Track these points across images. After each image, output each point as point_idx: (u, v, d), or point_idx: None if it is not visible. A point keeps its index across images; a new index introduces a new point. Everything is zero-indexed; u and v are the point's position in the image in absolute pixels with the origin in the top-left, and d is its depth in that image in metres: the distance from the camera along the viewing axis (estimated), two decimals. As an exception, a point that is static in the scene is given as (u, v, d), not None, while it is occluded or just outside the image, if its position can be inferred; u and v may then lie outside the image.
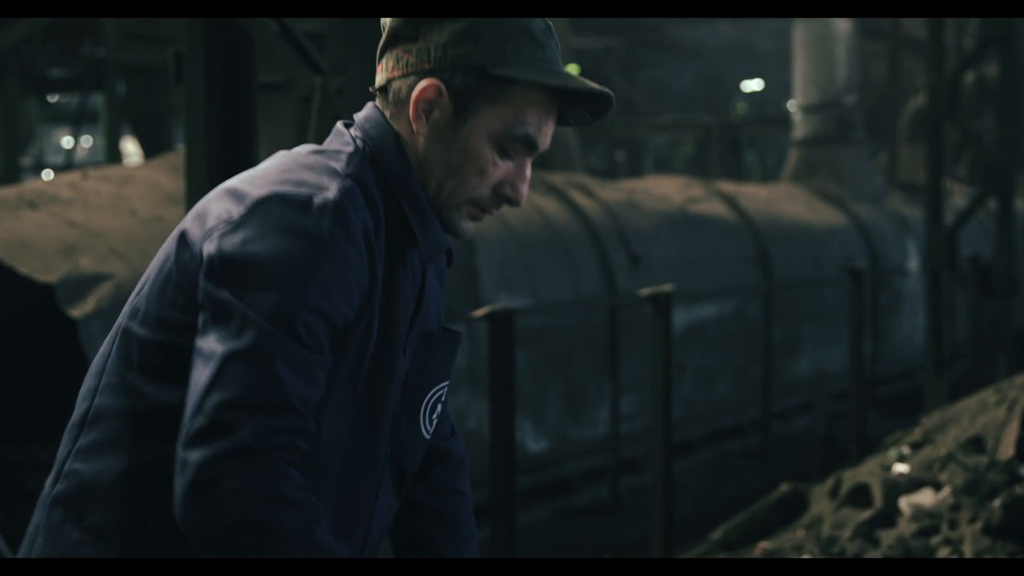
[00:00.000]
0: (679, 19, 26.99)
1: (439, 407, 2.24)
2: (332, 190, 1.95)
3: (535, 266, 9.66)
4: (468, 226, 2.13)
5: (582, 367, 9.97)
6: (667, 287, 7.31)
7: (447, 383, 2.26)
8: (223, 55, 4.88)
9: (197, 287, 1.94)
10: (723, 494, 10.17)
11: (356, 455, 2.07)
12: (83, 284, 6.69)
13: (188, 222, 2.03)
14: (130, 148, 18.94)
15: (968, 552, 5.41)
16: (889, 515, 5.99)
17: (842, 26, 15.74)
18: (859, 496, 6.32)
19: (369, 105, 2.15)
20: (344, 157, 2.05)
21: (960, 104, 12.56)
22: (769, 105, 33.27)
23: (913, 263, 15.16)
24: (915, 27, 19.73)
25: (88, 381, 2.05)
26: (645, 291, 7.39)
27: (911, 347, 14.75)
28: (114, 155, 14.70)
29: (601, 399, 10.12)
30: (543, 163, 16.21)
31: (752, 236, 12.50)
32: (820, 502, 6.73)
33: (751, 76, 32.88)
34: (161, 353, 1.97)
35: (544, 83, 2.06)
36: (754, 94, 34.33)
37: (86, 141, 32.56)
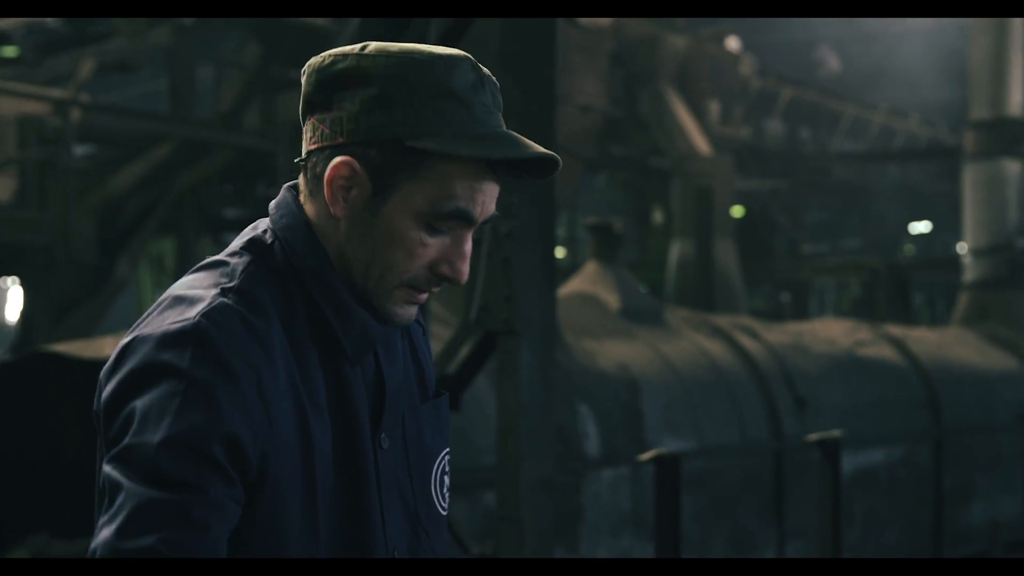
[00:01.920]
0: (842, 161, 26.91)
1: (446, 478, 2.08)
2: (194, 313, 1.80)
3: (700, 409, 9.59)
4: (407, 311, 1.93)
5: (747, 511, 9.83)
6: (835, 432, 7.21)
7: (446, 450, 2.10)
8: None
9: None
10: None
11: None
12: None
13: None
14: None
15: None
16: (1069, 673, 5.78)
17: (1013, 168, 15.55)
18: (1037, 652, 6.11)
19: (284, 187, 2.01)
20: (234, 263, 1.91)
21: None
22: (937, 247, 32.88)
23: (1089, 410, 14.75)
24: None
25: None
26: (813, 436, 7.30)
27: (1088, 496, 14.30)
28: (285, 293, 14.97)
29: (767, 544, 9.96)
30: (707, 305, 16.17)
31: (922, 380, 12.29)
32: (996, 657, 6.51)
33: (918, 218, 32.56)
34: None
35: (464, 155, 1.84)
36: (921, 236, 33.97)
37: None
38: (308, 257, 1.90)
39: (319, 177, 1.90)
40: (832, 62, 32.61)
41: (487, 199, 1.90)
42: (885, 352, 12.36)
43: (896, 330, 13.57)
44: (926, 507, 11.78)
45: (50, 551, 7.15)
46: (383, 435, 1.96)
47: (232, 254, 1.95)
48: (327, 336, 1.90)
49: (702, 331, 10.64)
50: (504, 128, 1.91)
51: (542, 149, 1.88)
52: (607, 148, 19.39)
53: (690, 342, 10.26)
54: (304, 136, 1.94)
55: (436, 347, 5.27)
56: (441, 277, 1.91)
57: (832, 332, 12.62)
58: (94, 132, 13.80)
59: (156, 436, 1.73)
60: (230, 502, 1.77)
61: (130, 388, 1.79)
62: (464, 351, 4.96)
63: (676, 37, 18.56)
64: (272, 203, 2.00)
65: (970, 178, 15.81)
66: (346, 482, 1.90)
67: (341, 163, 1.86)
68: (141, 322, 1.88)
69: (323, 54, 1.90)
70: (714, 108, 19.52)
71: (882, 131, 29.65)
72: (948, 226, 28.66)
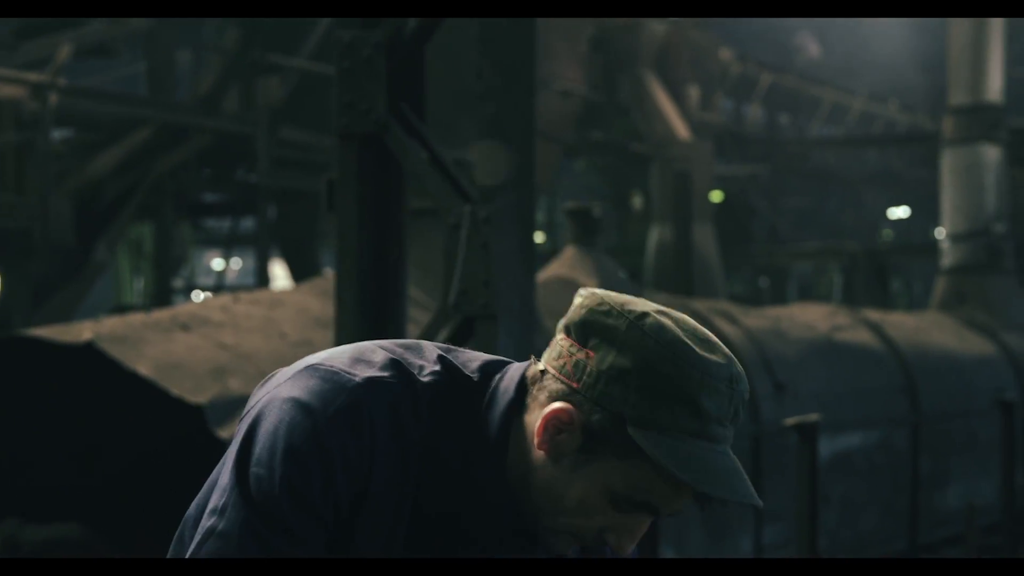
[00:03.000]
0: (821, 146, 26.96)
1: None
2: (365, 375, 1.84)
3: (678, 393, 9.61)
4: (566, 548, 1.91)
5: (725, 496, 9.84)
6: (813, 416, 7.24)
7: None
8: (374, 182, 4.97)
9: None
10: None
11: None
12: (232, 406, 6.80)
13: None
14: (278, 271, 19.30)
15: None
16: (1044, 655, 5.82)
17: (991, 154, 15.60)
18: (1012, 634, 6.15)
19: (525, 364, 1.95)
20: (437, 366, 1.90)
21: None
22: (916, 233, 32.97)
23: (1066, 394, 14.82)
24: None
25: None
26: (790, 420, 7.32)
27: (1064, 481, 14.36)
28: (264, 278, 14.98)
29: (744, 528, 10.00)
30: (686, 289, 16.20)
31: (899, 365, 12.33)
32: (971, 640, 6.55)
33: (897, 203, 32.65)
34: None
35: (672, 475, 1.81)
36: (900, 221, 34.06)
37: (236, 263, 33.22)
38: (498, 430, 1.89)
39: (541, 402, 1.88)
40: (812, 48, 32.69)
41: (677, 503, 1.88)
42: (863, 337, 12.39)
43: (874, 315, 13.61)
44: (903, 491, 11.83)
45: (22, 536, 7.14)
46: None
47: (447, 363, 1.93)
48: (442, 512, 1.90)
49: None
50: (728, 446, 1.89)
51: (749, 493, 1.88)
52: (587, 133, 19.40)
53: (669, 327, 10.28)
54: (552, 346, 1.91)
55: (413, 331, 5.27)
56: (604, 542, 1.89)
57: (810, 317, 12.65)
58: (72, 116, 13.76)
59: (283, 477, 1.79)
60: (320, 552, 1.84)
61: (283, 404, 1.84)
62: (442, 336, 4.97)
63: (656, 23, 18.56)
64: (511, 367, 1.95)
65: (948, 163, 15.85)
66: None
67: (564, 410, 1.83)
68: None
69: (605, 296, 1.88)
70: (694, 93, 19.53)
71: (861, 117, 29.71)
72: (926, 211, 28.73)
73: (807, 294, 27.97)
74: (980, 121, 15.54)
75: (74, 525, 7.35)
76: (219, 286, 19.35)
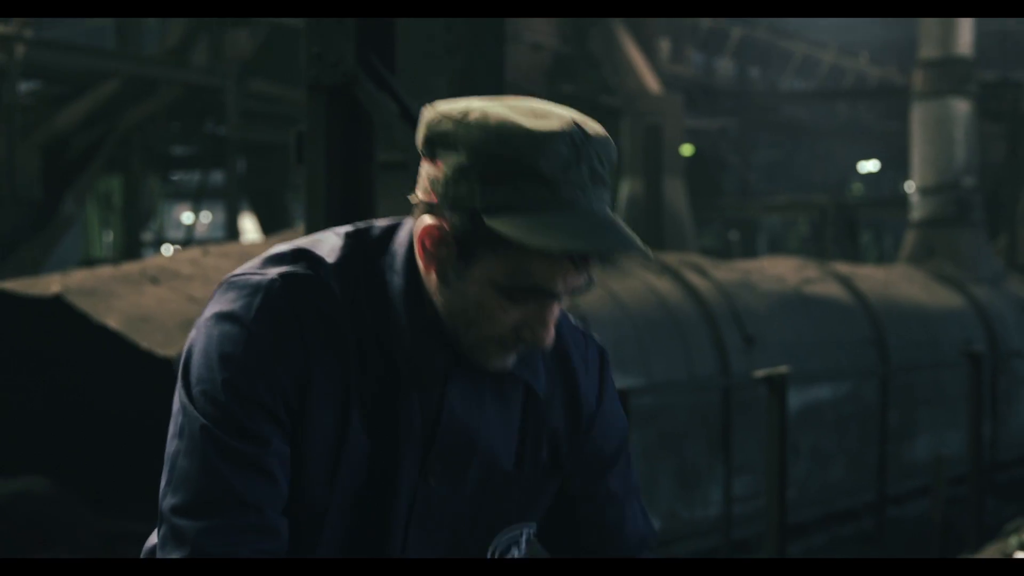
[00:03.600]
0: (792, 99, 26.95)
1: (514, 549, 2.06)
2: (277, 271, 1.90)
3: (649, 346, 9.64)
4: (502, 361, 1.92)
5: (695, 447, 9.90)
6: (782, 368, 7.26)
7: (528, 525, 2.07)
8: (343, 135, 4.95)
9: None
10: (838, 579, 10.00)
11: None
12: (202, 358, 6.78)
13: None
14: (248, 225, 19.24)
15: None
16: (1009, 604, 5.87)
17: (961, 108, 15.62)
18: (978, 584, 6.20)
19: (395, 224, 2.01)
20: (339, 243, 1.95)
21: (1082, 186, 12.39)
22: (885, 186, 33.04)
23: (1033, 347, 14.90)
24: (1035, 108, 19.52)
25: None
26: (760, 372, 7.35)
27: (1031, 432, 14.47)
28: (233, 231, 14.92)
29: (714, 480, 10.05)
30: (657, 243, 16.22)
31: (868, 318, 12.38)
32: (938, 589, 6.60)
33: (867, 157, 32.69)
34: None
35: (537, 246, 1.80)
36: (870, 175, 34.12)
37: (205, 216, 33.11)
38: (402, 278, 1.93)
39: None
40: (782, 0, 32.59)
41: (569, 275, 1.86)
42: (832, 290, 12.43)
43: (843, 268, 13.65)
44: (871, 442, 11.89)
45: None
46: (434, 469, 1.96)
47: (348, 232, 1.99)
48: (390, 351, 1.93)
49: (651, 269, 10.67)
50: (593, 206, 1.85)
51: (621, 240, 1.84)
52: (557, 86, 19.34)
53: (639, 280, 10.30)
54: (420, 174, 1.95)
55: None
56: (524, 341, 1.90)
57: (780, 270, 12.68)
58: (39, 68, 13.66)
59: (218, 380, 1.85)
60: (286, 454, 1.87)
61: (209, 321, 1.90)
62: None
63: (626, -26, 18.49)
64: (404, 225, 1.99)
65: (918, 117, 15.87)
66: (370, 496, 1.93)
67: (431, 225, 1.87)
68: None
69: (439, 108, 1.90)
70: (664, 46, 19.49)
71: (832, 70, 29.71)
72: (896, 165, 28.80)
73: (777, 247, 28.05)
74: (950, 75, 15.56)
75: (40, 478, 7.34)
76: (188, 239, 19.27)
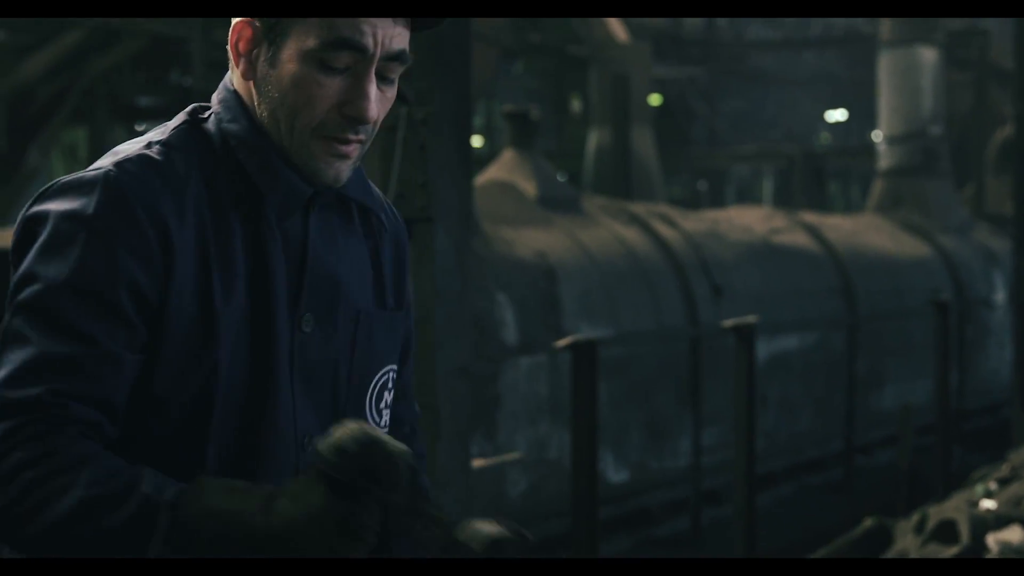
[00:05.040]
0: (760, 48, 26.91)
1: (386, 395, 2.03)
2: (110, 163, 1.84)
3: (617, 296, 9.63)
4: (333, 167, 1.90)
5: (664, 398, 9.92)
6: (750, 318, 7.27)
7: (393, 367, 2.05)
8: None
9: None
10: (806, 527, 10.07)
11: (241, 445, 1.86)
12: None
13: None
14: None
15: (1058, 591, 5.31)
16: (976, 551, 5.91)
17: (928, 56, 15.62)
18: (945, 532, 6.24)
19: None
20: (170, 124, 1.93)
21: (1049, 135, 12.40)
22: (853, 135, 33.08)
23: (1000, 296, 14.97)
24: (1002, 57, 19.54)
25: None
26: (728, 322, 7.35)
27: (998, 381, 14.56)
28: (199, 183, 14.84)
29: (683, 430, 10.07)
30: (625, 193, 16.21)
31: (836, 267, 12.41)
32: (905, 537, 6.64)
33: (835, 106, 32.71)
34: None
35: None
36: (838, 124, 34.15)
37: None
38: (234, 121, 1.91)
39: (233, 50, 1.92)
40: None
41: (380, 32, 1.86)
42: (800, 239, 12.45)
43: (811, 217, 13.67)
44: (839, 392, 11.95)
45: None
46: (306, 316, 1.91)
47: (174, 119, 1.96)
48: (251, 196, 1.89)
49: (619, 219, 10.65)
50: None
51: None
52: (525, 35, 19.26)
53: (607, 230, 10.28)
54: None
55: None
56: (348, 119, 1.87)
57: (748, 219, 12.69)
58: (1, 18, 13.51)
59: (56, 281, 1.76)
60: (128, 352, 1.78)
61: (32, 233, 1.81)
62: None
63: (594, -77, 18.39)
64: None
65: (885, 65, 15.87)
66: (254, 355, 1.87)
67: (238, 24, 1.88)
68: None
69: None
70: (632, -5, 19.39)
71: (799, 19, 29.64)
72: (864, 114, 28.82)
73: (745, 197, 28.08)
74: (917, 23, 15.54)
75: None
76: (155, 191, 19.17)
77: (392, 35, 1.87)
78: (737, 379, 7.06)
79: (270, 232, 1.89)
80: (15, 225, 1.87)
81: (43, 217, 1.81)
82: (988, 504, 6.45)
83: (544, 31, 19.53)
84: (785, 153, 21.42)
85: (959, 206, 16.33)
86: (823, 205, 19.92)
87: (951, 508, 6.50)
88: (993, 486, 6.89)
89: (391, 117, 4.68)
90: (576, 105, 21.10)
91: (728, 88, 27.59)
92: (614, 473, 9.40)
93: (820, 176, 20.47)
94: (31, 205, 1.85)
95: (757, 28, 28.32)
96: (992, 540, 5.91)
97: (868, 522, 6.89)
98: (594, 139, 17.92)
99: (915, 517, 6.75)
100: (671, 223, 11.09)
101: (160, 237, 1.81)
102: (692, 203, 22.95)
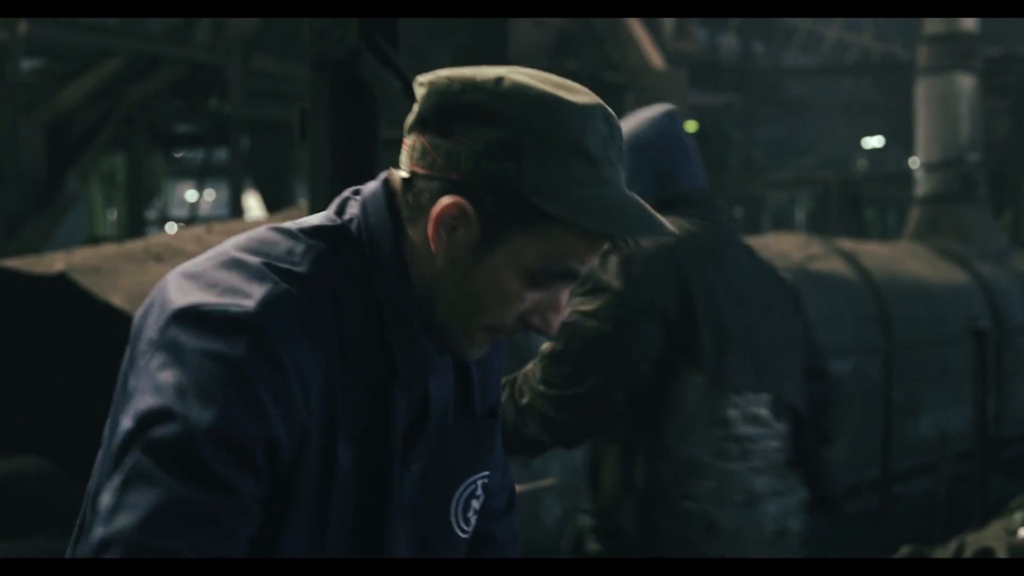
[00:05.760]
0: (796, 75, 26.88)
1: (474, 502, 1.99)
2: (255, 298, 1.70)
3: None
4: (482, 350, 1.84)
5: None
6: (787, 345, 7.24)
7: (482, 474, 1.99)
8: (347, 112, 4.94)
9: None
10: (843, 555, 10.02)
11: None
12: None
13: (141, 313, 1.82)
14: (252, 203, 19.23)
15: (1096, 620, 5.27)
16: (1014, 580, 5.87)
17: (966, 83, 15.58)
18: (983, 560, 6.20)
19: (380, 181, 1.88)
20: (305, 244, 1.79)
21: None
22: (890, 162, 32.99)
23: (1038, 323, 14.89)
24: (1040, 84, 19.48)
25: None
26: (764, 349, 7.33)
27: (1036, 409, 14.47)
28: (237, 209, 14.92)
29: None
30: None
31: (872, 294, 12.37)
32: (943, 566, 6.61)
33: (871, 133, 32.64)
34: None
35: (587, 226, 1.72)
36: (874, 151, 34.06)
37: (209, 194, 33.10)
38: (390, 272, 1.80)
39: (423, 206, 1.78)
40: (786, -24, 32.52)
41: (593, 259, 1.79)
42: (837, 266, 12.42)
43: (848, 244, 13.63)
44: (876, 420, 11.90)
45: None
46: (416, 460, 1.88)
47: (306, 231, 1.83)
48: (385, 361, 1.82)
49: (655, 246, 10.66)
50: (623, 186, 1.78)
51: (661, 226, 1.76)
52: (561, 62, 19.31)
53: (643, 257, 10.28)
54: (409, 149, 1.82)
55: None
56: (529, 326, 1.81)
57: (784, 246, 12.66)
58: (42, 45, 13.63)
59: (199, 426, 1.64)
60: (256, 504, 1.70)
61: (178, 356, 1.69)
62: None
63: (630, -50, 18.44)
64: (366, 192, 1.87)
65: (923, 92, 15.83)
66: (366, 501, 1.83)
67: (453, 204, 1.74)
68: (194, 267, 1.80)
69: (450, 75, 1.78)
70: (668, 22, 19.43)
71: (835, 45, 29.64)
72: (901, 141, 28.75)
73: (780, 224, 28.01)
74: (954, 50, 15.51)
75: (35, 458, 7.35)
76: (192, 217, 19.27)
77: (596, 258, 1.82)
78: (773, 406, 7.04)
79: (397, 395, 1.83)
80: (137, 339, 1.77)
81: (180, 348, 1.68)
82: (1026, 532, 6.41)
83: (580, 58, 19.58)
84: (821, 179, 21.36)
85: (996, 233, 16.25)
86: (859, 232, 19.86)
87: (989, 536, 6.46)
88: (1031, 514, 6.84)
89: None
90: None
91: (764, 115, 27.56)
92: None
93: (856, 203, 20.41)
94: (165, 327, 1.72)
95: (793, 55, 28.30)
96: (1030, 569, 5.87)
97: (905, 550, 6.85)
98: (630, 166, 17.90)
99: (952, 545, 6.72)
100: (707, 250, 11.07)
101: (302, 389, 1.72)
102: (728, 230, 22.87)
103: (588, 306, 3.29)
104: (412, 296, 1.80)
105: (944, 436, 10.23)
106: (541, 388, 3.27)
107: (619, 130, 1.78)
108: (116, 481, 1.64)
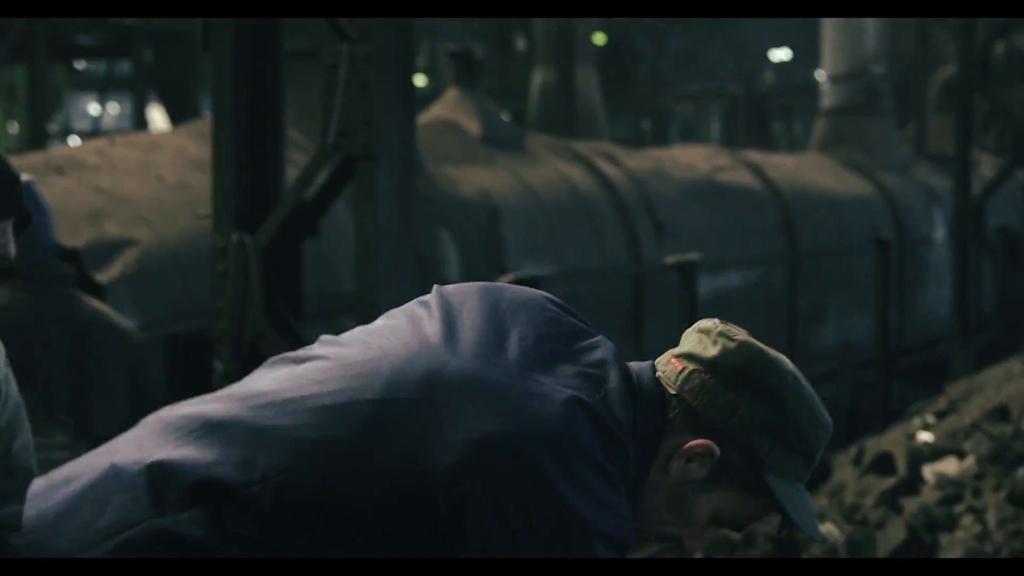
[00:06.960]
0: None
1: None
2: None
3: (560, 234, 9.67)
4: (640, 547, 2.17)
5: (607, 335, 9.94)
6: (693, 255, 7.32)
7: None
8: (251, 23, 4.89)
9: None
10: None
11: None
12: (109, 250, 6.73)
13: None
14: (156, 115, 19.02)
15: (992, 520, 5.41)
16: (913, 483, 6.00)
17: (870, -5, 15.64)
18: (883, 464, 6.33)
19: (655, 375, 2.12)
20: (618, 422, 2.00)
21: (990, 74, 12.50)
22: (796, 75, 33.12)
23: (940, 233, 15.11)
24: (944, -4, 19.59)
25: None
26: (670, 259, 7.40)
27: (937, 318, 14.71)
28: (141, 122, 14.75)
29: (626, 367, 10.12)
30: (569, 132, 16.21)
31: (778, 206, 12.48)
32: (843, 470, 6.74)
33: (778, 45, 32.73)
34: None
35: (789, 519, 2.02)
36: (781, 63, 34.18)
37: (113, 108, 32.63)
38: (640, 468, 2.00)
39: (676, 430, 2.01)
40: None
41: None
42: (743, 178, 12.51)
43: (755, 156, 13.73)
44: (780, 328, 12.05)
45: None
46: None
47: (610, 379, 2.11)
48: None
49: (563, 157, 10.67)
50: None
51: (819, 531, 2.08)
52: (468, -27, 19.17)
53: (551, 168, 10.30)
54: (679, 368, 2.07)
55: (292, 173, 5.23)
56: (677, 542, 2.09)
57: (692, 158, 12.73)
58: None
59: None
60: None
61: (555, 534, 1.88)
62: (322, 177, 4.94)
63: None
64: (643, 375, 2.12)
65: (828, 4, 15.88)
66: None
67: (708, 446, 1.98)
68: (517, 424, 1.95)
69: (763, 350, 2.07)
70: (576, -67, 19.31)
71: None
72: (807, 53, 28.85)
73: (690, 137, 28.11)
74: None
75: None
76: (95, 131, 19.01)
77: None
78: (679, 315, 7.11)
79: None
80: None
81: (581, 524, 1.88)
82: (925, 437, 6.54)
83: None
84: (729, 93, 21.45)
85: (901, 145, 16.42)
86: (767, 144, 19.99)
87: (889, 441, 6.59)
88: (930, 419, 6.98)
89: (333, 54, 4.68)
90: (520, 44, 21.05)
91: (672, 28, 27.55)
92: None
93: (763, 115, 20.53)
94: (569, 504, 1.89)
95: (701, -33, 28.28)
96: (928, 472, 6.00)
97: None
98: (538, 78, 17.87)
99: (853, 450, 6.84)
100: (615, 161, 11.12)
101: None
102: (636, 142, 22.97)
103: None
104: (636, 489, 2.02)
105: (847, 344, 10.39)
106: None
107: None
108: None
